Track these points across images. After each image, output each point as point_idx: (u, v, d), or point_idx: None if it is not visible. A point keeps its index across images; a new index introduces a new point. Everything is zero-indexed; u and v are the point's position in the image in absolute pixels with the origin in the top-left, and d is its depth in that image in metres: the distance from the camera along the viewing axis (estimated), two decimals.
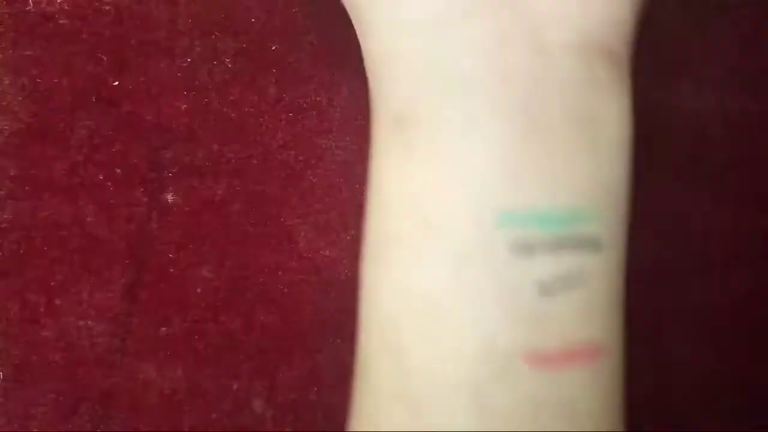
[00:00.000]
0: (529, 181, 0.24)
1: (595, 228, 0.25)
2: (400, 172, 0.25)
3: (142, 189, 0.31)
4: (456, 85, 0.24)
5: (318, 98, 0.31)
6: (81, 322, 0.31)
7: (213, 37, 0.31)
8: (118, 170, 0.31)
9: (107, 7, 0.30)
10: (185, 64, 0.31)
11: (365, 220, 0.27)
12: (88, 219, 0.31)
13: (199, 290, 0.31)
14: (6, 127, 0.30)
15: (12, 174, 0.31)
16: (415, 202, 0.25)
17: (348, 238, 0.32)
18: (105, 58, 0.31)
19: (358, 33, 0.26)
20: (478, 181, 0.24)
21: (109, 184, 0.31)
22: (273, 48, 0.31)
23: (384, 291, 0.25)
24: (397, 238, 0.25)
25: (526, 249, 0.24)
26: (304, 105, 0.31)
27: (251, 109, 0.31)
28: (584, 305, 0.25)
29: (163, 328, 0.31)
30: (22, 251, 0.31)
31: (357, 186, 0.31)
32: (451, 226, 0.24)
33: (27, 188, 0.31)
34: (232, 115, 0.31)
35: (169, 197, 0.31)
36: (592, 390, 0.25)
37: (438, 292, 0.24)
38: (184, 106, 0.31)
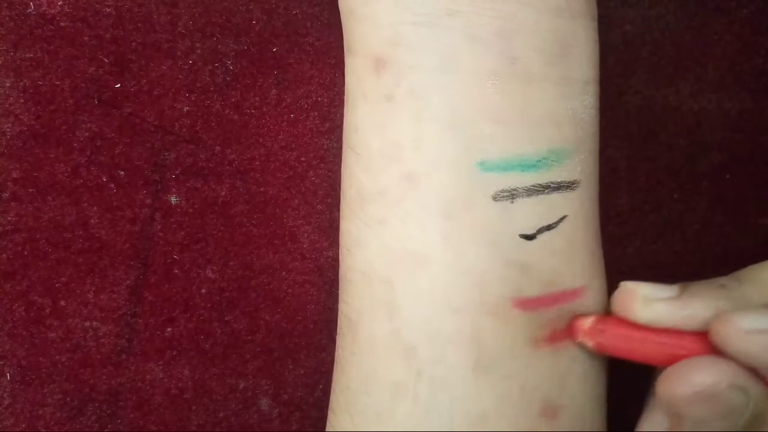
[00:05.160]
0: (510, 123, 0.24)
1: (571, 167, 0.25)
2: (380, 124, 0.25)
3: (145, 191, 0.31)
4: (437, 16, 0.24)
5: (319, 99, 0.31)
6: (86, 323, 0.31)
7: (214, 38, 0.31)
8: (121, 172, 0.31)
9: (108, 9, 0.30)
10: (187, 66, 0.31)
11: (342, 177, 0.27)
12: (92, 221, 0.31)
13: (203, 291, 0.31)
14: (8, 130, 0.30)
15: (15, 176, 0.31)
16: (396, 154, 0.25)
17: None
18: (106, 60, 0.31)
19: None
20: (459, 126, 0.24)
21: (112, 186, 0.31)
22: (274, 49, 0.31)
23: (369, 249, 0.26)
24: (379, 193, 0.25)
25: (507, 195, 0.24)
26: (306, 106, 0.31)
27: (253, 111, 0.31)
28: (565, 243, 0.25)
29: (169, 329, 0.31)
30: (26, 253, 0.31)
31: None
32: (435, 177, 0.24)
33: (30, 190, 0.31)
34: (234, 116, 0.31)
35: (173, 199, 0.31)
36: None
37: (426, 247, 0.24)
38: (185, 108, 0.31)
